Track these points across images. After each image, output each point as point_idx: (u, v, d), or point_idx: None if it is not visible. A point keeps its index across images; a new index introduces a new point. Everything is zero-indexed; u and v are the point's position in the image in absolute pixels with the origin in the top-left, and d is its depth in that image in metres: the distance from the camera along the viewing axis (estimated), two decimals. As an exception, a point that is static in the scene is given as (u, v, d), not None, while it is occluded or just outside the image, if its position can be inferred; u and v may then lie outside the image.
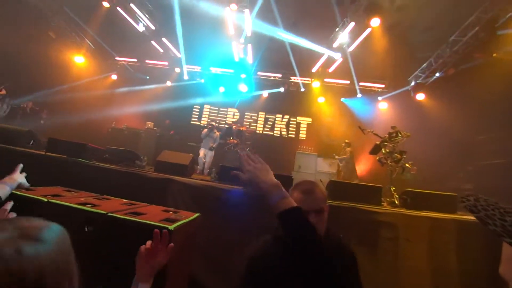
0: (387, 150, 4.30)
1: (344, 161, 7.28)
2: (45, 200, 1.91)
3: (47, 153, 3.46)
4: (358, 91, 8.94)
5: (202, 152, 7.28)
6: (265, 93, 9.83)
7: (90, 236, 1.82)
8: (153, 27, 7.93)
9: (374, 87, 8.99)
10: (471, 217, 3.17)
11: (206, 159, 7.16)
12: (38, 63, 7.91)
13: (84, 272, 1.89)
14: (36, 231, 0.53)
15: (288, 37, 7.45)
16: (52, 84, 8.40)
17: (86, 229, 1.81)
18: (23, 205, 1.95)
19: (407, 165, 4.16)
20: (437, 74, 7.53)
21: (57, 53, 8.60)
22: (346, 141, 7.57)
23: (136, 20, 7.59)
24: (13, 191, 1.98)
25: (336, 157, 7.46)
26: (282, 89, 9.54)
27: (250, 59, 8.69)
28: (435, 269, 2.65)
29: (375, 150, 4.56)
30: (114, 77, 10.12)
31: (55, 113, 8.04)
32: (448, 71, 7.12)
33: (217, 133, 7.57)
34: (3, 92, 6.37)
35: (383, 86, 8.93)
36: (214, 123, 7.71)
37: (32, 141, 3.86)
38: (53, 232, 0.56)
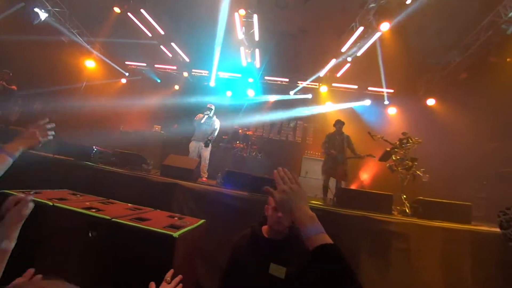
0: (398, 157, 4.19)
1: None
2: (51, 204, 1.91)
3: (55, 156, 3.49)
4: (366, 97, 8.84)
5: (192, 145, 5.48)
6: (272, 98, 9.82)
7: (93, 241, 1.80)
8: (162, 32, 8.03)
9: (383, 92, 8.85)
10: (486, 228, 3.03)
11: (201, 156, 5.36)
12: (50, 67, 8.08)
13: (88, 277, 1.85)
14: None
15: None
16: (64, 87, 8.57)
17: (90, 234, 1.79)
18: (28, 208, 1.96)
19: (418, 172, 4.04)
20: (448, 79, 7.38)
21: (69, 57, 8.79)
22: None
23: (146, 25, 7.70)
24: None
25: None
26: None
27: (257, 63, 8.69)
28: (449, 282, 2.52)
29: (385, 157, 4.46)
30: (123, 81, 10.28)
31: (64, 115, 8.17)
32: (460, 76, 6.96)
33: (217, 121, 5.77)
34: (4, 82, 6.38)
35: (392, 91, 8.79)
36: (212, 106, 5.74)
37: (40, 144, 3.91)
38: None
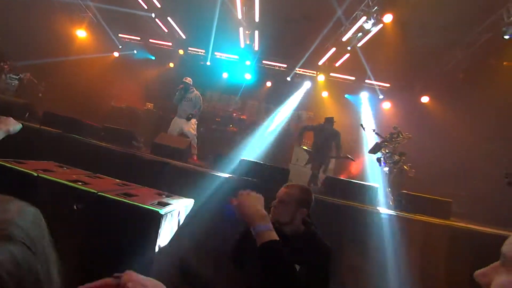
0: (387, 151, 4.26)
1: None
2: (35, 174, 1.87)
3: (42, 127, 3.40)
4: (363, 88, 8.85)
5: (174, 121, 5.27)
6: (268, 83, 9.68)
7: (79, 214, 1.79)
8: (158, 5, 7.69)
9: (379, 85, 8.86)
10: (463, 225, 3.16)
11: (185, 134, 5.07)
12: (39, 33, 7.69)
13: (71, 249, 1.85)
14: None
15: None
16: (53, 56, 8.20)
17: (75, 207, 1.78)
18: (12, 178, 1.92)
19: (405, 167, 4.13)
20: (445, 78, 7.42)
21: (59, 25, 8.36)
22: None
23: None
24: (2, 163, 1.93)
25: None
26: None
27: (256, 46, 8.49)
28: (425, 273, 2.65)
29: (374, 149, 4.52)
30: (116, 54, 9.90)
31: (54, 86, 7.89)
32: (457, 76, 6.99)
33: (196, 93, 5.39)
34: (7, 67, 6.22)
35: (388, 85, 8.80)
36: (188, 80, 5.38)
37: (27, 114, 3.79)
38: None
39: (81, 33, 8.83)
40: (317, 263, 1.52)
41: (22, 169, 1.90)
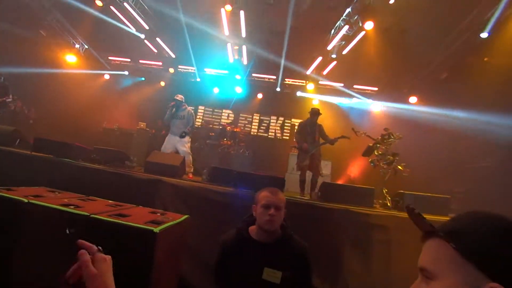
0: (380, 152, 4.30)
1: None
2: (25, 200, 1.84)
3: (33, 153, 3.36)
4: (351, 94, 9.02)
5: (166, 139, 5.22)
6: (259, 95, 9.82)
7: (71, 238, 1.75)
8: (146, 27, 7.85)
9: (367, 90, 9.06)
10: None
11: (179, 151, 4.99)
12: (28, 61, 7.75)
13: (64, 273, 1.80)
14: None
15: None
16: (43, 83, 8.23)
17: (67, 231, 1.74)
18: (2, 206, 1.88)
19: (399, 167, 4.16)
20: (430, 78, 7.64)
21: (48, 52, 8.45)
22: None
23: (130, 19, 7.50)
24: (-9, 191, 1.90)
25: None
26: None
27: (244, 60, 8.67)
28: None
29: (367, 152, 4.56)
30: (106, 76, 9.98)
31: (45, 112, 7.87)
32: (441, 75, 7.20)
33: (189, 109, 5.34)
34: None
35: (376, 89, 9.00)
36: (179, 97, 5.27)
37: (18, 141, 3.75)
38: None
39: (71, 58, 8.92)
40: (298, 266, 1.58)
41: (11, 196, 1.86)
